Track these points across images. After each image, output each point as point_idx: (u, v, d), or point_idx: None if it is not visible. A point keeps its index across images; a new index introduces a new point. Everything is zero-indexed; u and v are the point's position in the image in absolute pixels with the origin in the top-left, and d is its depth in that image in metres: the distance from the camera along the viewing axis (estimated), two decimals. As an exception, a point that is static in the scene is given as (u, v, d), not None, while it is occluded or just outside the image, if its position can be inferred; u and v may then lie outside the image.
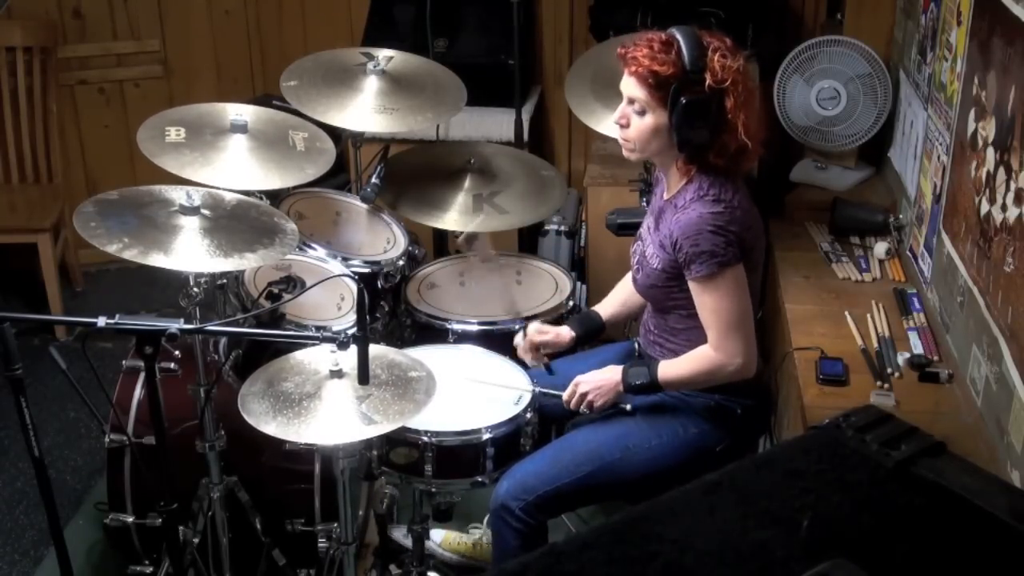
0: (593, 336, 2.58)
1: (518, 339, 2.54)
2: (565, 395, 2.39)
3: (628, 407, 2.39)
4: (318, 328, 2.15)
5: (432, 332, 2.79)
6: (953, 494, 1.41)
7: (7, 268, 4.12)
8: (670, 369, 2.31)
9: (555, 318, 2.82)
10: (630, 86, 2.22)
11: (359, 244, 2.98)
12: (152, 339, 1.99)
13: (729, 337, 2.22)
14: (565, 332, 2.53)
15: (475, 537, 2.92)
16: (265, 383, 2.14)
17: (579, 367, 2.47)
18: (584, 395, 2.36)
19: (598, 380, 2.36)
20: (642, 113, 2.22)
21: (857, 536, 1.35)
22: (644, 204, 3.03)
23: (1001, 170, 2.29)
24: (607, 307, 2.59)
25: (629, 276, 2.51)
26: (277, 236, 2.30)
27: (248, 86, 4.42)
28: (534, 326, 2.54)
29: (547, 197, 3.12)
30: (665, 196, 2.35)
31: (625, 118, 2.26)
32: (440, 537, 2.92)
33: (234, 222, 2.29)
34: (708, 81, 2.15)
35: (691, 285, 2.24)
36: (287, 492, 2.62)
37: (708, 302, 2.22)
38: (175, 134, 2.59)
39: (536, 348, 2.52)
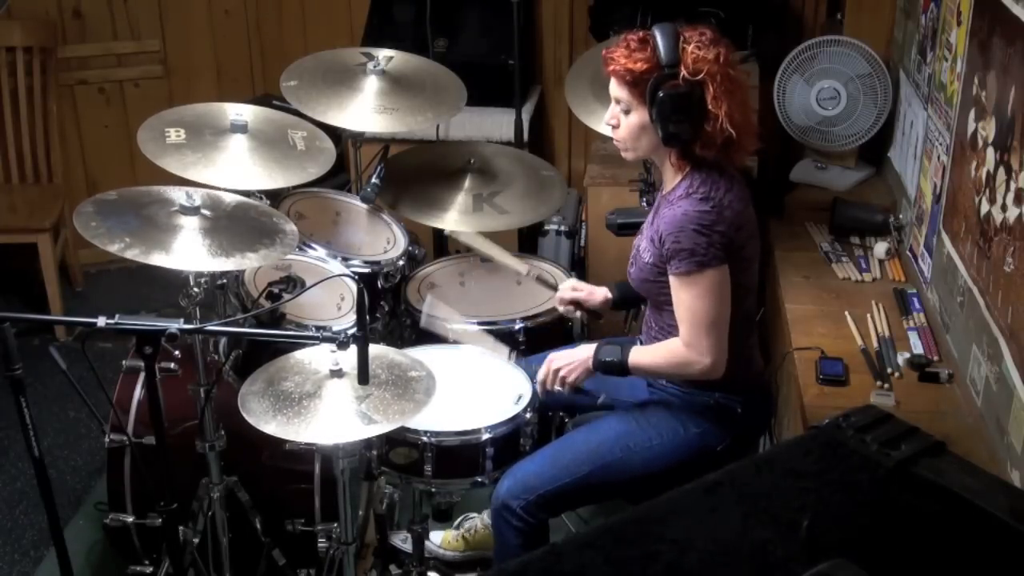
0: (631, 303, 2.63)
1: (566, 284, 2.64)
2: (540, 373, 2.40)
3: (600, 398, 2.43)
4: (318, 328, 2.15)
5: (432, 332, 2.79)
6: (953, 494, 1.41)
7: (7, 268, 4.12)
8: (641, 355, 2.32)
9: (555, 317, 2.82)
10: (613, 87, 2.25)
11: (359, 244, 2.98)
12: (152, 339, 1.98)
13: (700, 336, 2.23)
14: (599, 292, 2.59)
15: (465, 529, 2.93)
16: (265, 382, 2.15)
17: None
18: (556, 371, 2.37)
19: (569, 354, 2.38)
20: (628, 112, 2.25)
21: (857, 536, 1.35)
22: (644, 204, 3.03)
23: (1001, 170, 2.29)
24: None
25: None
26: (277, 236, 2.30)
27: (248, 86, 4.42)
28: (569, 282, 2.63)
29: (547, 197, 3.12)
30: (663, 193, 2.36)
31: (615, 119, 2.28)
32: (439, 539, 2.93)
33: (234, 222, 2.29)
34: (683, 73, 2.15)
35: (671, 280, 2.24)
36: (287, 492, 2.62)
37: (684, 299, 2.23)
38: (175, 135, 2.59)
39: (571, 302, 2.59)
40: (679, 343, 2.26)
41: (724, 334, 2.24)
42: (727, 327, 2.24)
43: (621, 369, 2.32)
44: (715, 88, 2.16)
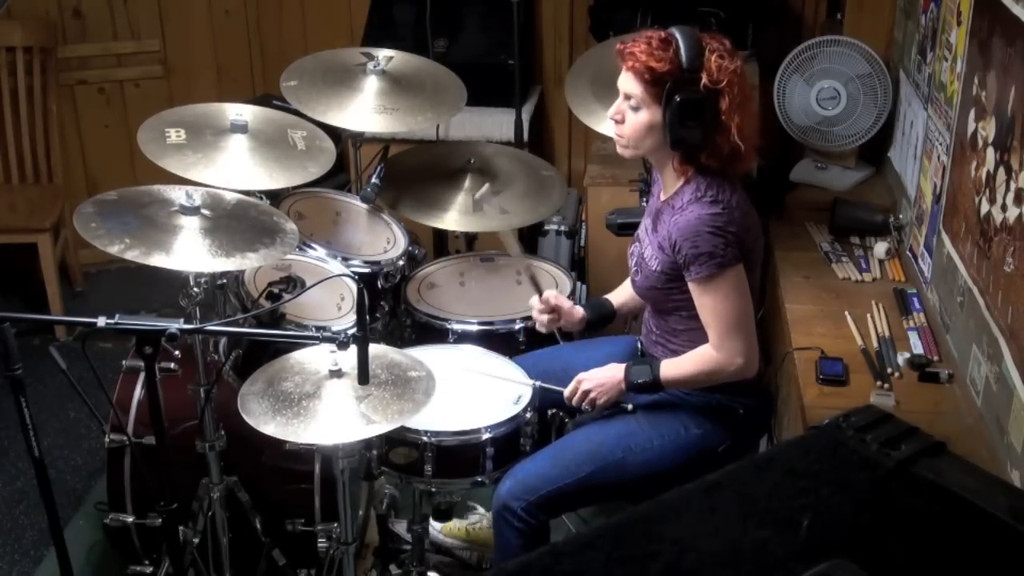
0: (603, 322, 2.59)
1: (534, 300, 2.54)
2: (567, 392, 2.39)
3: (630, 407, 2.39)
4: (318, 328, 2.15)
5: (432, 332, 2.79)
6: (953, 494, 1.41)
7: (7, 268, 4.12)
8: (672, 368, 2.31)
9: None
10: (626, 81, 2.23)
11: (359, 244, 2.98)
12: (152, 339, 1.98)
13: (730, 337, 2.23)
14: (578, 310, 2.55)
15: (469, 521, 2.93)
16: (265, 383, 2.15)
17: (583, 358, 2.48)
18: (587, 392, 2.36)
19: (601, 378, 2.36)
20: (637, 109, 2.23)
21: (857, 536, 1.35)
22: (644, 204, 3.03)
23: (1001, 170, 2.29)
24: (619, 296, 2.60)
25: None
26: (277, 236, 2.30)
27: (248, 86, 4.42)
28: (553, 291, 2.56)
29: (547, 197, 3.12)
30: (662, 197, 2.35)
31: (620, 114, 2.27)
32: (440, 524, 2.93)
33: (234, 222, 2.29)
34: (703, 80, 2.15)
35: (691, 286, 2.24)
36: (287, 492, 2.62)
37: (708, 303, 2.23)
38: (175, 135, 2.59)
39: (552, 310, 2.52)
40: (709, 349, 2.26)
41: (752, 332, 2.25)
42: (754, 325, 2.25)
43: (654, 387, 2.32)
44: (731, 99, 2.16)
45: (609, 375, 2.36)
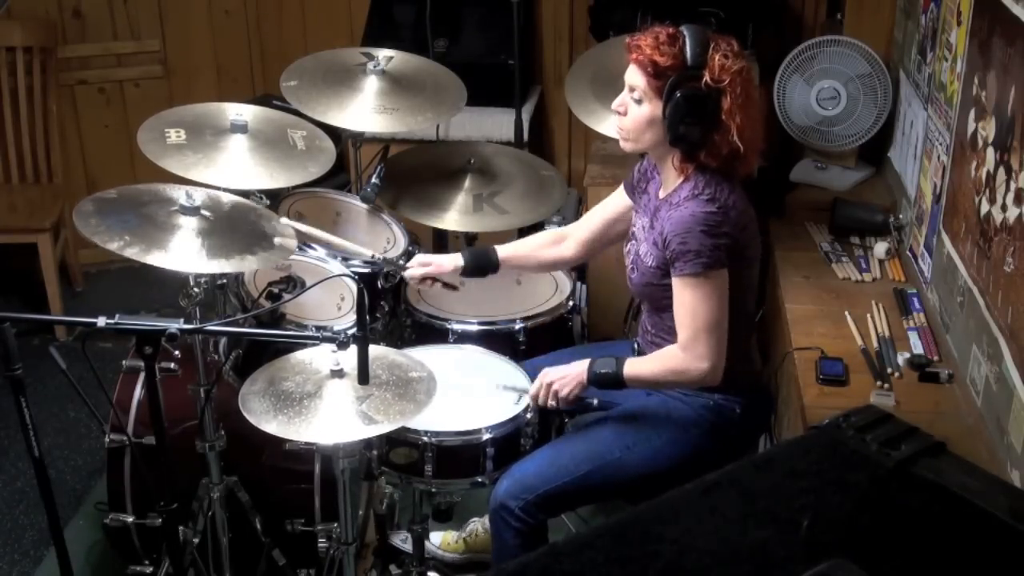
0: (482, 270, 2.61)
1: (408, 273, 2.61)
2: (532, 388, 2.39)
3: (594, 402, 2.39)
4: (318, 328, 2.15)
5: (432, 332, 2.79)
6: (953, 494, 1.41)
7: (7, 268, 4.12)
8: (636, 366, 2.31)
9: (555, 317, 2.83)
10: (631, 74, 2.24)
11: (359, 244, 2.98)
12: (152, 339, 1.99)
13: (700, 339, 2.22)
14: (448, 261, 2.58)
15: (466, 532, 2.92)
16: (266, 382, 2.15)
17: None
18: (550, 385, 2.35)
19: (563, 370, 2.36)
20: (639, 102, 2.24)
21: (857, 536, 1.35)
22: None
23: (1001, 170, 2.29)
24: (509, 248, 2.64)
25: (549, 233, 2.66)
26: (276, 240, 2.29)
27: (248, 86, 4.42)
28: (417, 258, 2.62)
29: (547, 197, 3.12)
30: (661, 194, 2.35)
31: (623, 106, 2.28)
32: (439, 540, 2.92)
33: (234, 224, 2.29)
34: (706, 78, 2.16)
35: (674, 282, 2.23)
36: (287, 492, 2.62)
37: (687, 301, 2.22)
38: (175, 135, 2.59)
39: (423, 279, 2.59)
40: (676, 349, 2.26)
41: (723, 339, 2.23)
42: (726, 333, 2.24)
43: (617, 382, 2.31)
44: (732, 100, 2.16)
45: (572, 367, 2.35)
